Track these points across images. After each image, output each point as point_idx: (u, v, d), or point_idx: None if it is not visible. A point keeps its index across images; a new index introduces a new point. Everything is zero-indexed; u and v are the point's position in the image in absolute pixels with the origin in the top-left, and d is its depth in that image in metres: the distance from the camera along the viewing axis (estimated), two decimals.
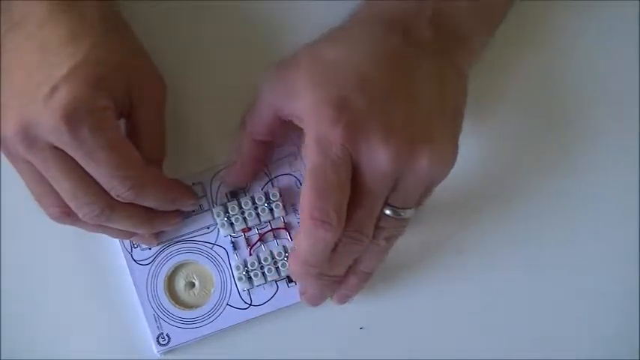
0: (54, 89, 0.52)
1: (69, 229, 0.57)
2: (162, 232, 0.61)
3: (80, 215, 0.55)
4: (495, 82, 0.64)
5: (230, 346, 0.62)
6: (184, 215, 0.61)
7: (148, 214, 0.58)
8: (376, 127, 0.53)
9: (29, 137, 0.52)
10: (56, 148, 0.53)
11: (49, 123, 0.52)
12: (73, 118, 0.52)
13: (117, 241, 0.61)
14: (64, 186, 0.54)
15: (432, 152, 0.54)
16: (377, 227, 0.56)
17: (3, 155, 0.55)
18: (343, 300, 0.61)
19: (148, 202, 0.57)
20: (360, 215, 0.55)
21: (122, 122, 0.57)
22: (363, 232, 0.56)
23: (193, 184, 0.61)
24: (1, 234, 0.61)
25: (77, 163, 0.54)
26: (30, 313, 0.61)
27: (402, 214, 0.56)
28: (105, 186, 0.54)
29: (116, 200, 0.55)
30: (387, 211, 0.56)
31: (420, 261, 0.63)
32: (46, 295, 0.61)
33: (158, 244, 0.61)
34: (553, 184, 0.64)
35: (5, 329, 0.61)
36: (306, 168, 0.53)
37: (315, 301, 0.60)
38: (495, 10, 0.61)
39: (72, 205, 0.55)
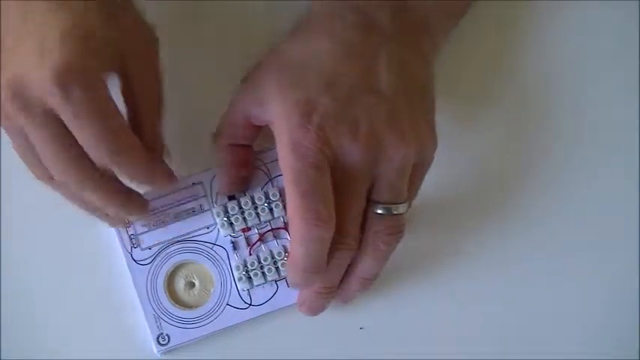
0: (48, 51, 0.51)
1: (69, 230, 0.58)
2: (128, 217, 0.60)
3: (56, 179, 0.55)
4: (492, 82, 0.64)
5: (230, 346, 0.62)
6: (150, 208, 0.60)
7: (121, 194, 0.57)
8: (344, 125, 0.54)
9: (21, 98, 0.52)
10: (46, 112, 0.52)
11: (41, 83, 0.51)
12: (65, 78, 0.51)
13: (117, 241, 0.61)
14: (46, 150, 0.53)
15: (401, 138, 0.55)
16: (373, 230, 0.56)
17: (3, 155, 0.55)
18: (345, 301, 0.61)
19: (124, 170, 0.55)
20: (342, 216, 0.55)
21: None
22: (349, 234, 0.56)
23: (193, 184, 0.61)
24: (1, 234, 0.61)
25: (64, 131, 0.53)
26: (30, 313, 0.61)
27: (394, 210, 0.56)
28: (85, 148, 0.53)
29: (94, 172, 0.54)
30: (379, 210, 0.56)
31: (420, 261, 0.63)
32: (46, 295, 0.61)
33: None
34: (552, 183, 0.64)
35: (5, 329, 0.61)
36: (286, 174, 0.54)
37: (314, 311, 0.60)
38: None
39: (52, 171, 0.54)
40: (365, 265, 0.58)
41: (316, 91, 0.54)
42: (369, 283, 0.59)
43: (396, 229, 0.57)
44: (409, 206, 0.57)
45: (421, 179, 0.58)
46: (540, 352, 0.63)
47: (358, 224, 0.56)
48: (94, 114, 0.52)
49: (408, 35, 0.57)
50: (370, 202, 0.56)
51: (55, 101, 0.52)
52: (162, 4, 0.63)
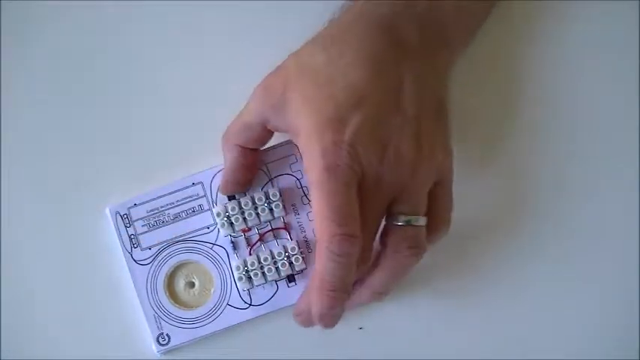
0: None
1: (69, 230, 0.58)
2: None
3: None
4: (493, 85, 0.64)
5: (230, 346, 0.62)
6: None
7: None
8: (374, 144, 0.55)
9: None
10: None
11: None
12: None
13: (117, 241, 0.61)
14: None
15: (424, 157, 0.56)
16: (394, 242, 0.57)
17: (3, 152, 0.55)
18: (349, 309, 0.61)
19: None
20: (362, 230, 0.55)
21: None
22: (366, 247, 0.56)
23: (193, 184, 0.61)
24: (1, 234, 0.61)
25: None
26: (30, 313, 0.61)
27: (414, 222, 0.56)
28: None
29: None
30: (400, 222, 0.56)
31: (420, 261, 0.63)
32: (46, 295, 0.61)
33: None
34: (554, 183, 0.64)
35: (5, 329, 0.61)
36: (316, 191, 0.54)
37: (333, 320, 0.57)
38: (479, 9, 0.61)
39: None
40: (380, 279, 0.58)
41: (347, 108, 0.55)
42: (382, 297, 0.59)
43: (416, 242, 0.57)
44: (449, 226, 0.59)
45: (450, 197, 0.59)
46: (540, 352, 0.63)
47: (374, 238, 0.56)
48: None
49: (431, 49, 0.58)
50: (390, 215, 0.57)
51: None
52: (169, 3, 0.63)
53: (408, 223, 0.56)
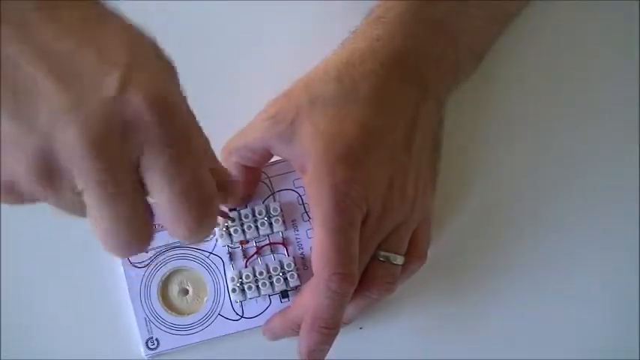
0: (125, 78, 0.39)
1: (64, 229, 0.57)
2: None
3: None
4: (493, 82, 0.64)
5: (220, 355, 0.61)
6: None
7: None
8: (382, 183, 0.55)
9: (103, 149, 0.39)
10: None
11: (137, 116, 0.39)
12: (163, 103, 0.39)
13: None
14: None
15: (418, 197, 0.57)
16: (371, 276, 0.57)
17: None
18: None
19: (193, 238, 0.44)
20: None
21: None
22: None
23: None
24: (1, 235, 0.61)
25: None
26: (25, 312, 0.61)
27: (393, 260, 0.57)
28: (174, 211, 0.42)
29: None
30: (381, 257, 0.57)
31: None
32: (42, 294, 0.61)
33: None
34: (553, 186, 0.64)
35: (5, 329, 0.61)
36: (323, 227, 0.54)
37: (322, 354, 0.58)
38: (490, 41, 0.61)
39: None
40: (351, 309, 0.58)
41: (359, 146, 0.55)
42: (344, 325, 0.59)
43: (392, 278, 0.57)
44: (425, 260, 0.59)
45: (430, 233, 0.59)
46: (540, 353, 0.62)
47: (361, 272, 0.57)
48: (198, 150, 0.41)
49: (441, 87, 0.58)
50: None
51: (153, 135, 0.39)
52: (173, 3, 0.63)
53: (387, 260, 0.57)
